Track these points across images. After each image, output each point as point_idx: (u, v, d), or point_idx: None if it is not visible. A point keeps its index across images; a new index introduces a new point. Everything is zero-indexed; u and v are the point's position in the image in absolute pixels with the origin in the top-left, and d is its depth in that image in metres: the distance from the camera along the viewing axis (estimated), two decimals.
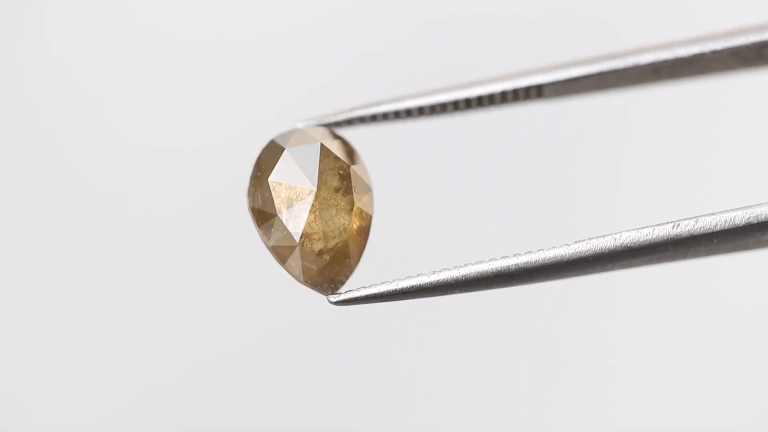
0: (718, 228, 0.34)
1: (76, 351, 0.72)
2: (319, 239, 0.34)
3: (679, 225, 0.34)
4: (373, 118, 0.36)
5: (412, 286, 0.34)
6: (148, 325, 0.72)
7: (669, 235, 0.34)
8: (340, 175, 0.35)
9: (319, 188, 0.34)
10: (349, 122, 0.36)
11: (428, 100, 0.36)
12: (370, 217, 0.35)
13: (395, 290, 0.34)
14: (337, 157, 0.35)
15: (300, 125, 0.36)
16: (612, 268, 0.35)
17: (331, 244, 0.35)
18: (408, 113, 0.36)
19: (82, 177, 0.73)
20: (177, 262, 0.72)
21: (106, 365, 0.72)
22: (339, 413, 0.71)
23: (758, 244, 0.35)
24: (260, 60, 0.74)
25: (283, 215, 0.34)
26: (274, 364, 0.71)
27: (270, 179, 0.35)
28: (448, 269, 0.34)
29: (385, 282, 0.34)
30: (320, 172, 0.35)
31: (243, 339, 0.72)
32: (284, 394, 0.71)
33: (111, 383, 0.71)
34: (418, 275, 0.34)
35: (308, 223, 0.34)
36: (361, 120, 0.36)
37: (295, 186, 0.35)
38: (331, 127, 0.36)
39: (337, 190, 0.35)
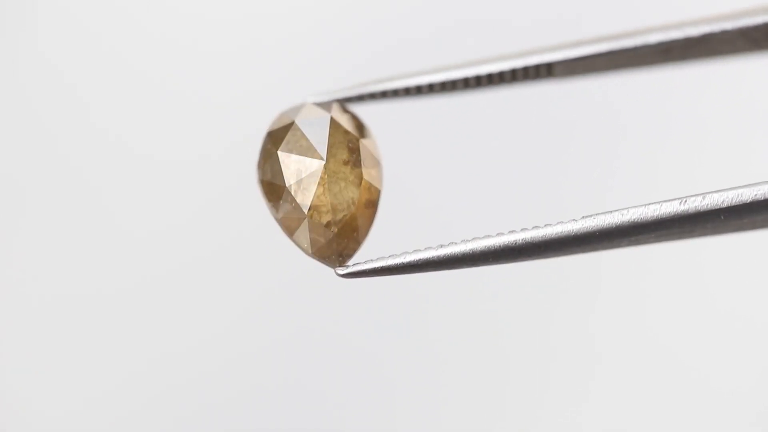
0: (725, 204, 0.34)
1: (79, 356, 0.72)
2: (328, 211, 0.35)
3: (686, 201, 0.34)
4: (384, 95, 0.37)
5: (420, 260, 0.34)
6: (152, 328, 0.72)
7: (676, 211, 0.34)
8: (349, 148, 0.35)
9: (328, 161, 0.35)
10: (360, 98, 0.37)
11: (439, 77, 0.37)
12: (379, 192, 0.36)
13: (403, 264, 0.34)
14: (346, 131, 0.35)
15: (310, 100, 0.36)
16: (619, 245, 0.35)
17: (339, 216, 0.35)
18: (419, 90, 0.37)
19: (86, 175, 0.73)
20: (179, 263, 0.73)
21: (111, 369, 0.72)
22: (330, 414, 0.71)
23: (765, 223, 0.35)
24: (268, 51, 0.74)
25: (292, 188, 0.35)
26: (271, 367, 0.71)
27: (279, 151, 0.35)
28: (456, 243, 0.34)
29: (393, 255, 0.35)
30: (329, 145, 0.35)
31: (240, 345, 0.72)
32: (282, 397, 0.71)
33: (115, 388, 0.71)
34: (426, 249, 0.34)
35: (317, 196, 0.35)
36: (372, 96, 0.37)
37: (304, 159, 0.35)
38: (342, 102, 0.36)
39: (346, 163, 0.35)
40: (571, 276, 0.68)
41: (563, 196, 0.69)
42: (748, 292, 0.69)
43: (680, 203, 0.34)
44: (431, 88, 0.37)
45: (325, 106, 0.36)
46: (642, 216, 0.34)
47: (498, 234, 0.34)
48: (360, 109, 0.37)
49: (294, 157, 0.35)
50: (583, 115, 0.70)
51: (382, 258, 0.35)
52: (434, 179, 0.69)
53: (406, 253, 0.34)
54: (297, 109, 0.36)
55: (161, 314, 0.72)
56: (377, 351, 0.70)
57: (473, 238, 0.34)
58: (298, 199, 0.35)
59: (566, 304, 0.69)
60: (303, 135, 0.35)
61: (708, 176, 0.69)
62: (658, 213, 0.34)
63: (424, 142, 0.69)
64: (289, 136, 0.35)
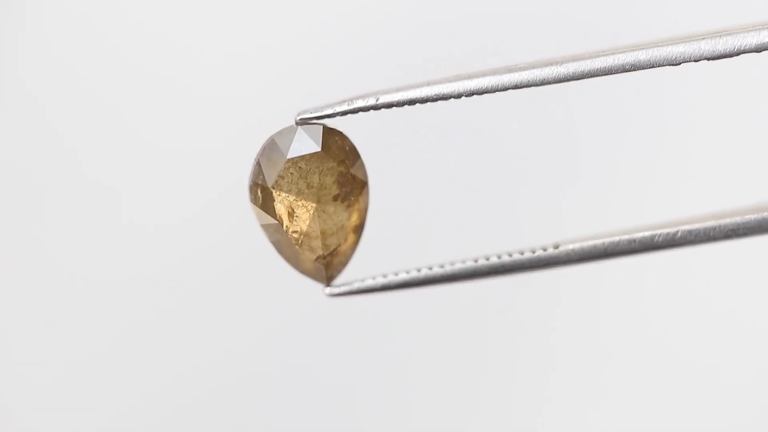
0: (698, 240, 0.37)
1: (84, 378, 0.73)
2: (317, 237, 0.37)
3: (659, 236, 0.37)
4: (373, 108, 0.38)
5: (403, 281, 0.38)
6: (162, 346, 0.73)
7: (649, 244, 0.37)
8: (339, 182, 0.37)
9: (318, 196, 0.37)
10: (344, 114, 0.38)
11: (427, 91, 0.38)
12: (366, 214, 0.38)
13: (385, 284, 0.38)
14: (335, 162, 0.37)
15: (299, 118, 0.38)
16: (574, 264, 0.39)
17: (329, 241, 0.37)
18: (401, 104, 0.38)
19: (89, 184, 0.73)
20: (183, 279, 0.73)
21: (122, 385, 0.73)
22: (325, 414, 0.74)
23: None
24: (265, 55, 0.73)
25: (284, 222, 0.37)
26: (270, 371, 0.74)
27: (271, 186, 0.37)
28: (439, 266, 0.38)
29: (378, 277, 0.38)
30: (320, 177, 0.37)
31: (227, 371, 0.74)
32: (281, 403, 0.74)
33: (128, 406, 0.73)
34: (408, 271, 0.38)
35: (308, 225, 0.37)
36: (360, 110, 0.38)
37: (295, 195, 0.37)
38: (332, 117, 0.38)
39: (336, 198, 0.37)
40: (533, 285, 0.69)
41: (548, 212, 0.70)
42: (740, 285, 0.72)
43: (653, 237, 0.37)
44: (411, 103, 0.38)
45: (315, 130, 0.37)
46: (615, 245, 0.38)
47: (477, 258, 0.37)
48: (349, 119, 0.38)
49: (285, 191, 0.37)
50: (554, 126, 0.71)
51: (367, 279, 0.38)
52: (419, 189, 0.69)
53: (391, 274, 0.38)
54: (287, 137, 0.37)
55: (173, 331, 0.73)
56: (358, 358, 0.73)
57: (452, 262, 0.38)
58: (290, 230, 0.37)
59: (531, 313, 0.71)
60: (294, 172, 0.37)
61: (667, 189, 0.70)
62: (608, 250, 0.38)
63: (410, 152, 0.69)
64: (281, 172, 0.37)
